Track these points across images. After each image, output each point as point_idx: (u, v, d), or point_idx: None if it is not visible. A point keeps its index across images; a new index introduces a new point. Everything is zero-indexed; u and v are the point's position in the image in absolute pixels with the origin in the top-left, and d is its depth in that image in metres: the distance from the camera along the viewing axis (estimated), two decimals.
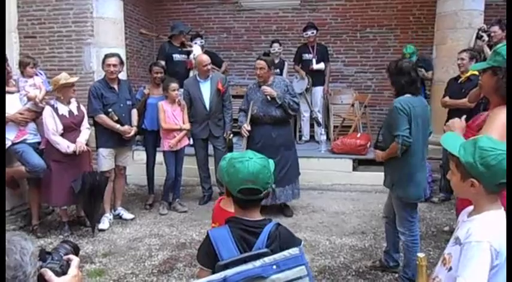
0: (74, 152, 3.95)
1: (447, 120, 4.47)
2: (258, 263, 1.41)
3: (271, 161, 1.61)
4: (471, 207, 1.51)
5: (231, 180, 1.55)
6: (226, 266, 1.42)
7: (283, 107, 4.28)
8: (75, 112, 4.11)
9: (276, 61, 6.46)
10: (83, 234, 4.14)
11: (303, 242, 1.60)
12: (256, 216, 1.59)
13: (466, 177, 1.40)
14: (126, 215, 4.58)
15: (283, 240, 1.53)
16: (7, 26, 4.97)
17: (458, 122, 2.21)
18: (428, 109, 2.96)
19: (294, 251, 1.44)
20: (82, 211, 4.37)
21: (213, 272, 1.46)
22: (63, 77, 4.00)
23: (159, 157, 4.96)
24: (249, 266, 1.40)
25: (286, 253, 1.43)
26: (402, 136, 2.74)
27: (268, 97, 4.28)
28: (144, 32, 6.83)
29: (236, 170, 1.52)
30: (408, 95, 2.84)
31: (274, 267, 1.40)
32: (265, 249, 1.46)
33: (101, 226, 4.26)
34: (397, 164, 2.87)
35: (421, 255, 1.62)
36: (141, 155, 5.26)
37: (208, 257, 1.52)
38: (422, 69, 5.62)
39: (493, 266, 1.30)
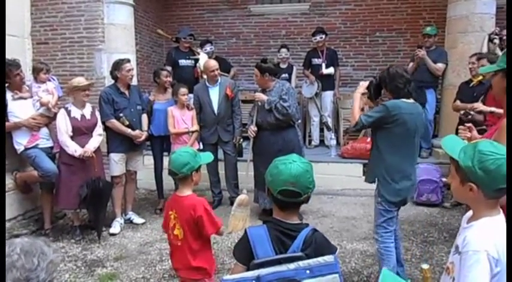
0: (81, 156, 3.97)
1: (458, 124, 4.48)
2: (292, 266, 1.43)
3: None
4: (471, 213, 1.47)
5: (273, 181, 1.58)
6: (261, 265, 1.45)
7: (273, 111, 4.26)
8: (88, 117, 4.14)
9: (284, 66, 6.48)
10: (94, 239, 4.16)
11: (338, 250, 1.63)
12: (295, 219, 1.62)
13: (465, 181, 1.36)
14: (137, 219, 4.61)
15: (319, 246, 1.54)
16: (21, 33, 5.05)
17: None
18: (422, 117, 2.90)
19: (329, 258, 1.46)
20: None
21: (248, 269, 1.49)
22: (77, 81, 4.06)
23: (167, 162, 4.97)
24: (283, 267, 1.43)
25: (321, 259, 1.45)
26: (361, 120, 2.82)
27: (259, 103, 4.32)
28: (161, 32, 6.91)
29: (279, 172, 1.56)
30: (403, 100, 2.78)
31: (308, 272, 1.42)
32: (300, 253, 1.49)
33: (112, 230, 4.29)
34: (377, 162, 2.89)
35: (425, 266, 1.59)
36: (151, 160, 5.28)
37: (245, 253, 1.56)
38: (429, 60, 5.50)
39: (493, 274, 1.27)
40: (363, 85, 3.02)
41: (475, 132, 2.30)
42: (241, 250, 1.60)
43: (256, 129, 4.40)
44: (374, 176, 2.94)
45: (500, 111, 3.21)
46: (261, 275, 1.41)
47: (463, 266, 1.31)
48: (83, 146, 4.01)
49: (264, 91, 4.41)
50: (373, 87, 2.96)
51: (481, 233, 1.33)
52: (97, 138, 4.17)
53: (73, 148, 3.96)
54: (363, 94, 3.02)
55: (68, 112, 4.03)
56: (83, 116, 4.11)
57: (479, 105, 3.75)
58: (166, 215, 2.47)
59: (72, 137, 4.00)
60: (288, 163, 1.56)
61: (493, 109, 3.43)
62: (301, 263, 1.44)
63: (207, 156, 2.55)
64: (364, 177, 5.36)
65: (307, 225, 1.62)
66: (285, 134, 4.35)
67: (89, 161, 4.04)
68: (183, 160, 2.32)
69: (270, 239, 1.54)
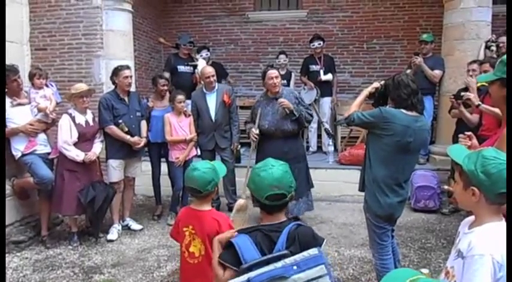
0: (83, 161, 3.99)
1: (455, 131, 4.50)
2: (279, 264, 1.47)
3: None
4: (472, 218, 1.50)
5: (257, 189, 1.63)
6: (249, 269, 1.48)
7: (300, 120, 4.20)
8: (91, 123, 4.17)
9: (283, 72, 6.51)
10: (92, 245, 4.14)
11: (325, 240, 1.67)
12: (281, 218, 1.67)
13: (468, 185, 1.40)
14: (135, 225, 4.60)
15: (302, 240, 1.58)
16: (19, 39, 5.06)
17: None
18: (424, 133, 2.71)
19: (313, 251, 1.51)
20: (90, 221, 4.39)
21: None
22: (75, 87, 4.08)
23: (165, 168, 4.99)
24: (270, 267, 1.47)
25: (305, 254, 1.50)
26: (354, 115, 2.72)
27: (287, 110, 4.15)
28: (163, 41, 6.95)
29: (262, 178, 1.62)
30: (403, 111, 2.62)
31: (295, 267, 1.46)
32: (285, 251, 1.52)
33: (109, 237, 4.28)
34: (366, 171, 2.78)
35: (425, 271, 1.59)
36: (148, 166, 5.28)
37: (234, 258, 1.58)
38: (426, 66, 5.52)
39: (496, 279, 1.29)
40: (375, 85, 2.92)
41: (474, 140, 2.32)
42: (230, 257, 1.62)
43: (258, 132, 4.37)
44: (364, 185, 2.85)
45: (491, 108, 3.29)
46: (251, 277, 1.45)
47: (467, 270, 1.33)
48: (86, 152, 4.04)
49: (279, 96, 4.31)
50: (379, 94, 2.87)
51: (486, 238, 1.35)
52: (99, 145, 4.24)
53: (74, 153, 3.96)
54: (369, 98, 2.96)
55: (73, 118, 4.03)
56: (86, 122, 4.13)
57: (470, 95, 3.80)
58: (179, 230, 2.36)
59: (76, 143, 4.01)
60: (268, 168, 1.64)
61: (480, 103, 3.62)
62: (287, 260, 1.48)
63: (224, 169, 2.40)
64: None
65: (291, 221, 1.66)
66: (295, 142, 4.38)
67: (92, 165, 4.09)
68: (208, 178, 2.18)
69: (254, 243, 1.58)
